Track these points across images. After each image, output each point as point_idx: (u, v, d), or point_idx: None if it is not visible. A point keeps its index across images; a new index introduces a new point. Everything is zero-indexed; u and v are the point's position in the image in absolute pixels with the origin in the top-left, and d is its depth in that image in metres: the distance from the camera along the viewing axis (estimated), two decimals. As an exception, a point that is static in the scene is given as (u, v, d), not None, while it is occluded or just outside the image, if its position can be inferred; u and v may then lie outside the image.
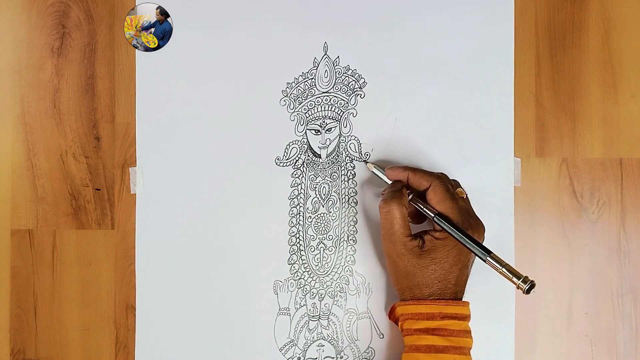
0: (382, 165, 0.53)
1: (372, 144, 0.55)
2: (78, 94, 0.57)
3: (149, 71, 0.56)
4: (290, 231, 0.55)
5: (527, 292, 0.43)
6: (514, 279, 0.44)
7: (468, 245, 0.46)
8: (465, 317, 0.47)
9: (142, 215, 0.55)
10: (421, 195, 0.49)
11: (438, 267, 0.47)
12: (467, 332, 0.47)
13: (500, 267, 0.44)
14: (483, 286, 0.52)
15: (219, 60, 0.56)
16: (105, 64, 0.56)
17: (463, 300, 0.48)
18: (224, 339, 0.54)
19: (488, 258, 0.45)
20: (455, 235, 0.46)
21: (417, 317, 0.47)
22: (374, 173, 0.53)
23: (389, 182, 0.51)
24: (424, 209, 0.48)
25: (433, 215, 0.47)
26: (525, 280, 0.43)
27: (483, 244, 0.47)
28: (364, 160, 0.54)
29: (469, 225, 0.47)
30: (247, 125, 0.55)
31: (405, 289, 0.48)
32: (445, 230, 0.47)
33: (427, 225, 0.52)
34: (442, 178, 0.49)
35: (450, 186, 0.49)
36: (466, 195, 0.50)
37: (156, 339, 0.55)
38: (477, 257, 0.46)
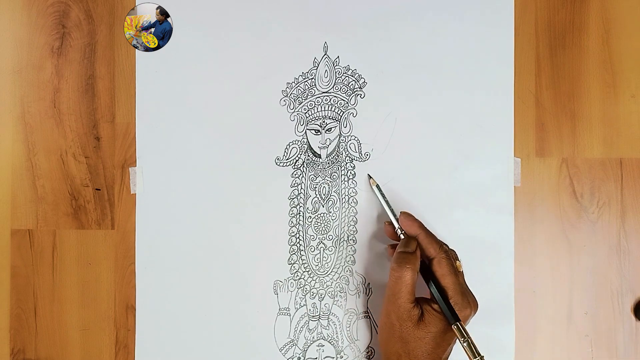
0: (389, 198, 0.53)
1: (372, 144, 0.55)
2: (78, 94, 0.57)
3: (149, 71, 0.56)
4: (290, 231, 0.55)
5: None
6: (471, 356, 0.45)
7: (440, 304, 0.46)
8: None
9: (142, 215, 0.55)
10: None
11: (432, 341, 0.46)
12: None
13: (462, 341, 0.45)
14: (483, 286, 0.52)
15: (219, 60, 0.56)
16: (105, 64, 0.56)
17: None
18: (224, 339, 0.54)
19: (453, 325, 0.46)
20: (432, 292, 0.47)
21: None
22: (374, 193, 0.53)
23: (386, 207, 0.51)
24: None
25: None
26: None
27: (474, 317, 0.48)
28: (368, 175, 0.54)
29: (467, 303, 0.47)
30: (247, 125, 0.55)
31: (393, 353, 0.47)
32: (427, 284, 0.47)
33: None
34: (447, 252, 0.48)
35: (453, 260, 0.49)
36: (462, 269, 0.50)
37: (156, 339, 0.55)
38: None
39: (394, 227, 0.51)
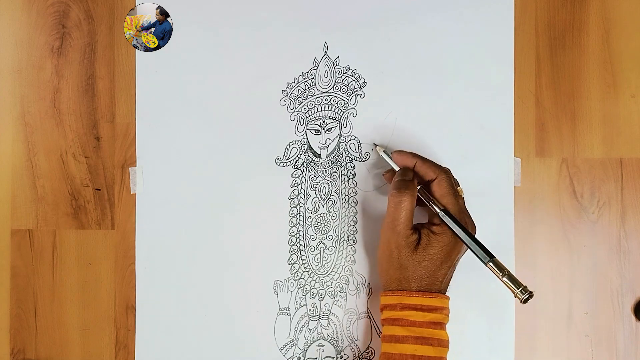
0: (387, 149, 0.53)
1: (372, 143, 0.55)
2: (78, 94, 0.57)
3: (149, 71, 0.56)
4: (290, 231, 0.55)
5: (525, 301, 0.44)
6: (513, 287, 0.44)
7: (472, 247, 0.46)
8: (433, 309, 0.46)
9: (142, 215, 0.55)
10: (424, 185, 0.49)
11: (430, 263, 0.47)
12: (435, 324, 0.46)
13: (501, 274, 0.45)
14: (483, 286, 0.52)
15: (219, 60, 0.56)
16: (105, 64, 0.56)
17: (442, 294, 0.48)
18: (224, 339, 0.54)
19: (490, 263, 0.45)
20: (460, 236, 0.46)
21: (384, 308, 0.48)
22: (381, 156, 0.53)
23: (395, 167, 0.51)
24: (431, 203, 0.48)
25: (439, 210, 0.47)
26: (524, 290, 0.44)
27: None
28: (374, 143, 0.54)
29: (465, 225, 0.47)
30: (247, 125, 0.55)
31: (393, 280, 0.48)
32: (450, 228, 0.47)
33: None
34: (448, 172, 0.49)
35: (454, 183, 0.49)
36: (463, 195, 0.50)
37: (156, 339, 0.55)
38: (479, 259, 0.46)
39: (394, 173, 0.51)
